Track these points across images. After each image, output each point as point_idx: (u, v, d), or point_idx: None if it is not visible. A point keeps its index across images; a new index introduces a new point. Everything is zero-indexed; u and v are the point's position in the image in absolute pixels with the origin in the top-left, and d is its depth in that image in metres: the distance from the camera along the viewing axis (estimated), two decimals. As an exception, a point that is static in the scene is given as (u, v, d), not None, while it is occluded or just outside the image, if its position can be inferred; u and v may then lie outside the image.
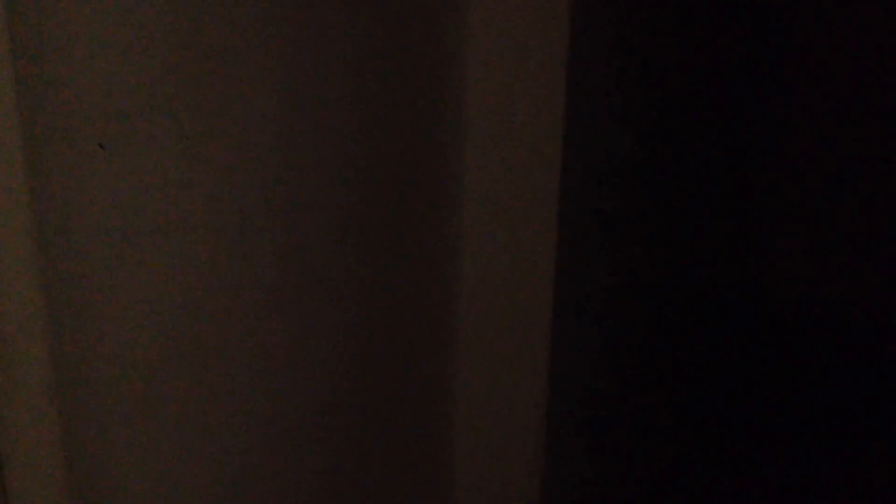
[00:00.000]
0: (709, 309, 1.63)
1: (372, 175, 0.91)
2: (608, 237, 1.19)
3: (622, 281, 1.27)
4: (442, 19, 0.94)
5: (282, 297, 0.87)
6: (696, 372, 1.62)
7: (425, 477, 1.04)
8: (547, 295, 1.02)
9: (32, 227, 0.86)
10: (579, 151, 1.07)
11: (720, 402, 1.71)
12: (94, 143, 0.76)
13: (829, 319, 1.94)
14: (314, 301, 0.90)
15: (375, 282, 0.94)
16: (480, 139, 0.98)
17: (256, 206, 0.83)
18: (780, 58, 1.81)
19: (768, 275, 1.93)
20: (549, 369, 1.03)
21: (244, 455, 0.89)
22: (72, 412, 0.89)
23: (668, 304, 1.48)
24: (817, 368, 1.85)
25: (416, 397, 1.01)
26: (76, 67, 0.78)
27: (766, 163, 1.87)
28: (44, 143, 0.81)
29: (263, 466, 0.90)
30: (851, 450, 1.67)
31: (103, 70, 0.77)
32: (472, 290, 1.01)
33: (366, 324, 0.96)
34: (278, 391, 0.90)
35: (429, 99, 0.95)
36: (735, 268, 1.76)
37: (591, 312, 1.18)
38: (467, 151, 0.99)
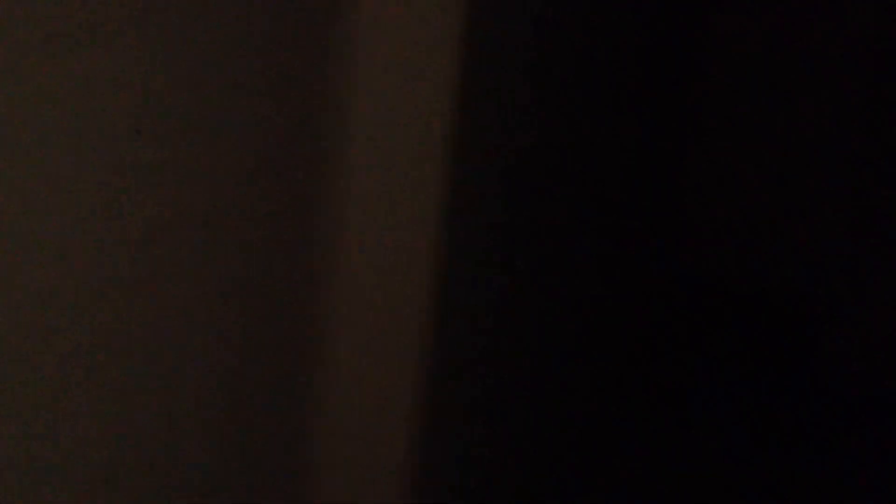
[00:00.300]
0: (602, 307, 1.63)
1: (243, 172, 0.91)
2: (497, 238, 1.19)
3: (512, 284, 1.27)
4: (328, 19, 0.94)
5: (142, 290, 0.86)
6: (587, 376, 1.62)
7: (289, 475, 1.04)
8: (426, 298, 1.02)
9: None
10: (472, 146, 1.06)
11: (610, 406, 1.71)
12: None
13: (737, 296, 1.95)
14: (178, 296, 0.89)
15: (245, 279, 0.94)
16: (365, 139, 0.98)
17: (116, 197, 0.81)
18: (691, 43, 1.80)
19: (682, 264, 1.93)
20: (425, 374, 1.03)
21: (104, 452, 0.88)
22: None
23: (558, 304, 1.47)
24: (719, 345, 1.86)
25: (284, 396, 1.00)
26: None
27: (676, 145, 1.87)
28: None
29: (124, 464, 0.89)
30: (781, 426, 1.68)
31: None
32: (348, 291, 1.00)
33: (235, 322, 0.95)
34: (136, 387, 0.89)
35: (311, 97, 0.94)
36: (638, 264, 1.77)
37: (475, 313, 1.17)
38: (350, 152, 0.98)
